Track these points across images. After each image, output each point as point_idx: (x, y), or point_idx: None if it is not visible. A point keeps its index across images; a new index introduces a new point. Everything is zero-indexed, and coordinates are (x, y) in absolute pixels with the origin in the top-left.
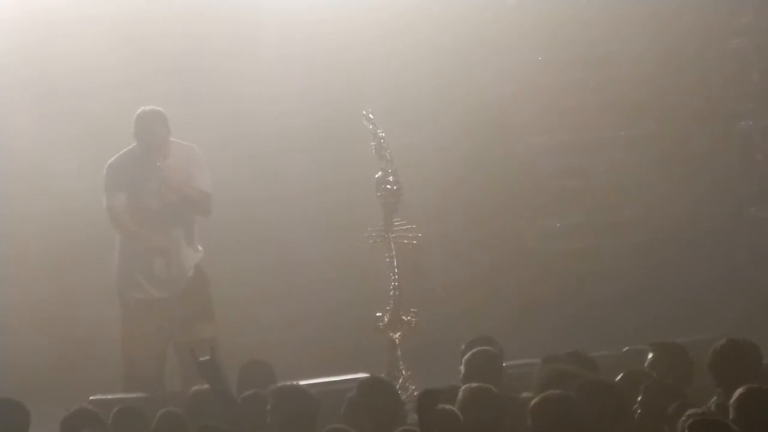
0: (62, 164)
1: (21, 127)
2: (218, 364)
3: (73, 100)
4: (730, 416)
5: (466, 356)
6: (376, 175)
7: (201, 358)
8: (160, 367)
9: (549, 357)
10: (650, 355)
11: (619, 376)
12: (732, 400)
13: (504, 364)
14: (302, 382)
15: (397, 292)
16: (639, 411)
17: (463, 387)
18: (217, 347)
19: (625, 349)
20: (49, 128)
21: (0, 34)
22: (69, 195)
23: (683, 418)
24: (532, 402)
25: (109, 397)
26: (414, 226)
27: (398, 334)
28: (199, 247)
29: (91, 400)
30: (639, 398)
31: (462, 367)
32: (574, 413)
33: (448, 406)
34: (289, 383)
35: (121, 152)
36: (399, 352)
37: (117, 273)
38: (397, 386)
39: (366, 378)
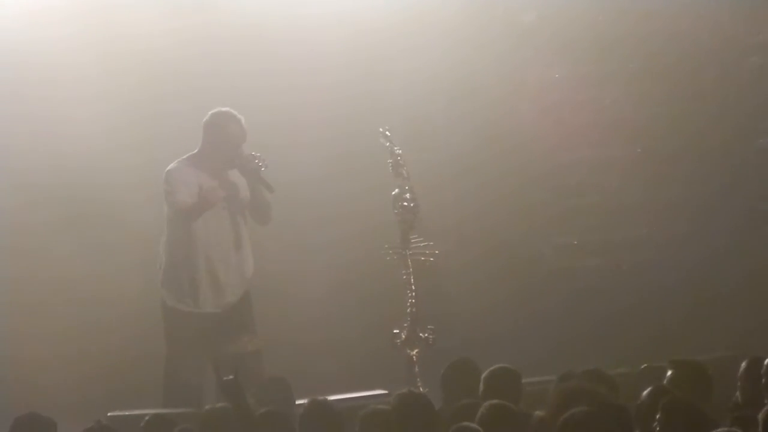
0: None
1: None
2: (242, 383)
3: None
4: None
5: (485, 374)
6: (393, 192)
7: (225, 377)
8: (201, 379)
9: (565, 375)
10: (669, 373)
11: (644, 393)
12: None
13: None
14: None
15: (414, 309)
16: (658, 429)
17: (484, 404)
18: (262, 361)
19: (642, 366)
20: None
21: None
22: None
23: None
24: (562, 419)
25: (127, 413)
26: (431, 243)
27: (415, 351)
28: (253, 264)
29: (110, 416)
30: (657, 416)
31: (481, 384)
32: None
33: (471, 424)
34: (317, 398)
35: (180, 159)
36: (416, 369)
37: (169, 289)
38: None
39: (405, 392)
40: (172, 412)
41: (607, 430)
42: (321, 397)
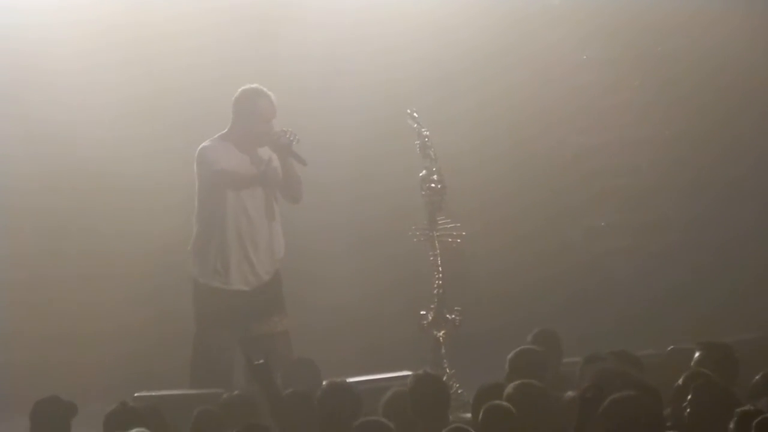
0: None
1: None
2: (272, 367)
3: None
4: None
5: (510, 355)
6: (421, 174)
7: (256, 362)
8: (231, 359)
9: (591, 356)
10: (697, 354)
11: (681, 378)
12: None
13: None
14: (347, 380)
15: (441, 291)
16: (688, 410)
17: (513, 383)
18: (290, 342)
19: (669, 348)
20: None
21: None
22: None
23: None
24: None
25: (153, 393)
26: (458, 225)
27: (442, 332)
28: (283, 244)
29: (136, 396)
30: (689, 397)
31: (506, 365)
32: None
33: (503, 403)
34: (336, 380)
35: (212, 138)
36: (443, 351)
37: (201, 266)
38: None
39: (418, 372)
40: (197, 393)
41: (647, 412)
42: (339, 378)
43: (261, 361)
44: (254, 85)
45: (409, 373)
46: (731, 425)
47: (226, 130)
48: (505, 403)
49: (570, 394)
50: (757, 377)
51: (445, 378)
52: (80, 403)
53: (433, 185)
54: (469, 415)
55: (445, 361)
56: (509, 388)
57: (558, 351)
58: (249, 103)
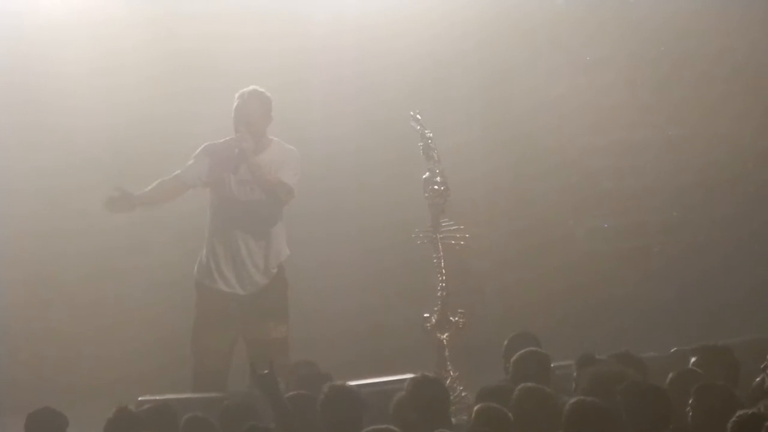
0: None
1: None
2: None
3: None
4: None
5: (515, 357)
6: (424, 176)
7: (261, 372)
8: (226, 361)
9: (585, 357)
10: (693, 359)
11: (669, 378)
12: None
13: (552, 365)
14: (350, 383)
15: (444, 293)
16: (691, 413)
17: (519, 386)
18: (287, 347)
19: (672, 350)
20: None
21: None
22: None
23: (734, 418)
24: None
25: (158, 397)
26: (461, 227)
27: (446, 335)
28: (287, 248)
29: (140, 400)
30: (690, 401)
31: (510, 368)
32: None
33: (496, 405)
34: (338, 383)
35: (225, 139)
36: (447, 353)
37: (199, 264)
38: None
39: (417, 376)
40: (200, 397)
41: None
42: (340, 382)
43: (265, 371)
44: (250, 88)
45: (412, 375)
46: (732, 427)
47: None
48: (496, 405)
49: (569, 399)
50: (757, 379)
51: (449, 381)
52: (80, 406)
53: (436, 187)
54: None
55: (448, 363)
56: (516, 392)
57: None
58: (238, 105)
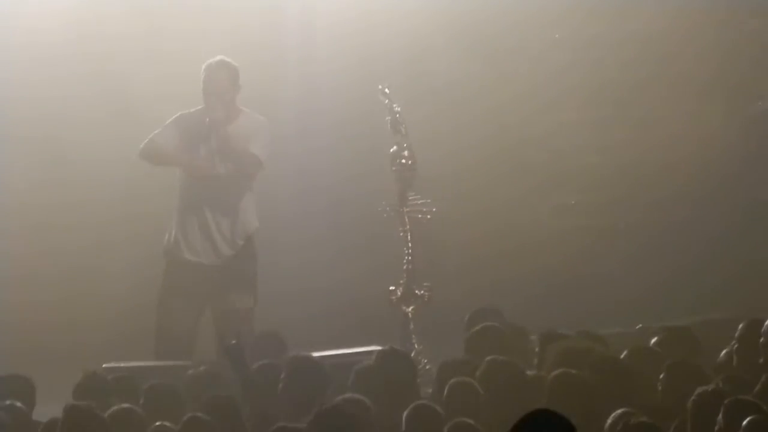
0: None
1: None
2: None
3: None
4: None
5: (469, 333)
6: (391, 150)
7: (229, 342)
8: (191, 330)
9: (548, 334)
10: (656, 337)
11: (623, 354)
12: None
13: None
14: (314, 354)
15: (410, 266)
16: (661, 389)
17: (486, 359)
18: (252, 319)
19: (638, 327)
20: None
21: None
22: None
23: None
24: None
25: (123, 365)
26: (428, 201)
27: (411, 308)
28: (256, 221)
29: (105, 367)
30: (661, 376)
31: (465, 343)
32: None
33: (467, 379)
34: (301, 354)
35: (197, 108)
36: (412, 326)
37: (168, 235)
38: None
39: (385, 348)
40: (165, 365)
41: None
42: (303, 353)
43: (233, 342)
44: (218, 58)
45: (377, 348)
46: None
47: None
48: (468, 379)
49: (532, 373)
50: (721, 354)
51: (413, 354)
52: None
53: (403, 161)
54: None
55: (413, 336)
56: (483, 365)
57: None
58: (205, 77)
